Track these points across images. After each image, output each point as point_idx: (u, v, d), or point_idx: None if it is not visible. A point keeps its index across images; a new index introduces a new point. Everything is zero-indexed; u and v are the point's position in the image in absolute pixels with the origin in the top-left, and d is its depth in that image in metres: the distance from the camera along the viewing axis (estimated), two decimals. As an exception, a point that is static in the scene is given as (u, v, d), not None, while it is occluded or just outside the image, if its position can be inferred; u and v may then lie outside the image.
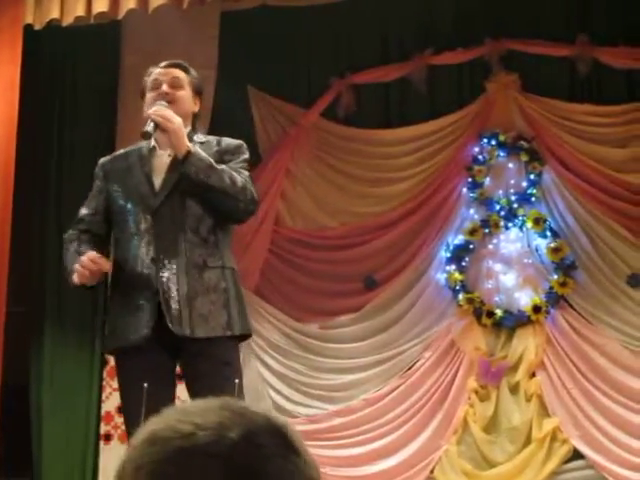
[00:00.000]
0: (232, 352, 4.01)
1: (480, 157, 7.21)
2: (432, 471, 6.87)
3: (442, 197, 7.26)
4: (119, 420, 6.96)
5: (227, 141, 4.19)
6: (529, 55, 7.22)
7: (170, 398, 3.93)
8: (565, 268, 6.95)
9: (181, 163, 3.89)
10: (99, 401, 7.34)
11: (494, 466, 6.77)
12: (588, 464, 6.68)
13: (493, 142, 7.19)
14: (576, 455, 6.71)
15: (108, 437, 7.26)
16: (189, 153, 3.87)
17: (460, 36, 7.33)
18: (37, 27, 6.32)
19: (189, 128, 4.15)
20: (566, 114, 7.15)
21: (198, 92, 4.26)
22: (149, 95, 4.14)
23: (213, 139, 4.18)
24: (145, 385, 3.80)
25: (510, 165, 7.19)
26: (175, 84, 4.14)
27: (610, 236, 6.96)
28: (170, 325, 3.86)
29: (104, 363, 7.29)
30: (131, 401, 3.91)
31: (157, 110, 3.97)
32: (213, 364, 3.84)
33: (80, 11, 6.13)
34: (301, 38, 7.62)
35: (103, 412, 7.33)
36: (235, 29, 7.55)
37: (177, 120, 3.94)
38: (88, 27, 6.69)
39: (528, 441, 6.75)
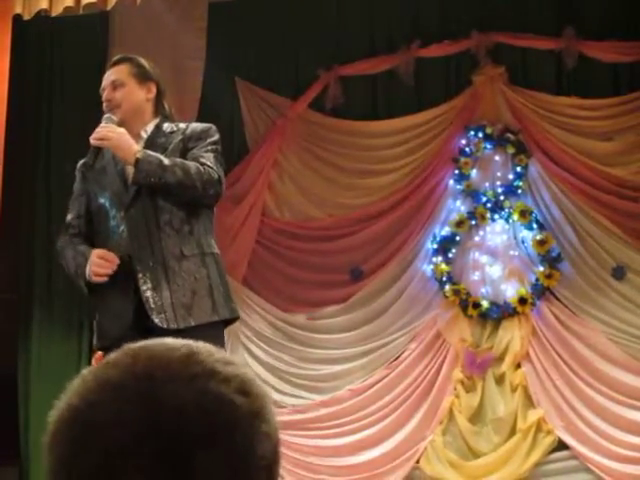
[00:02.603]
0: (218, 338, 4.01)
1: (467, 149, 7.24)
2: (418, 461, 6.90)
3: (429, 189, 7.29)
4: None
5: (193, 127, 4.16)
6: (516, 48, 7.26)
7: None
8: (551, 260, 6.98)
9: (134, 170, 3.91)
10: (87, 390, 7.34)
11: (479, 456, 6.81)
12: (572, 455, 6.72)
13: (480, 134, 7.22)
14: (560, 446, 6.75)
15: (95, 426, 7.24)
16: (137, 160, 3.86)
17: (447, 29, 7.36)
18: (26, 17, 6.30)
19: (155, 122, 4.15)
20: (552, 107, 7.18)
21: (145, 79, 4.18)
22: None
23: (182, 127, 4.14)
24: None
25: (496, 157, 7.22)
26: (115, 85, 4.13)
27: (595, 228, 7.00)
28: (156, 320, 3.85)
29: (92, 352, 7.30)
30: None
31: (94, 134, 3.98)
32: None
33: (69, 2, 6.09)
34: (289, 30, 7.62)
35: (90, 402, 7.34)
36: (223, 20, 7.56)
37: (116, 133, 3.94)
38: (76, 18, 6.68)
39: (513, 432, 6.79)
